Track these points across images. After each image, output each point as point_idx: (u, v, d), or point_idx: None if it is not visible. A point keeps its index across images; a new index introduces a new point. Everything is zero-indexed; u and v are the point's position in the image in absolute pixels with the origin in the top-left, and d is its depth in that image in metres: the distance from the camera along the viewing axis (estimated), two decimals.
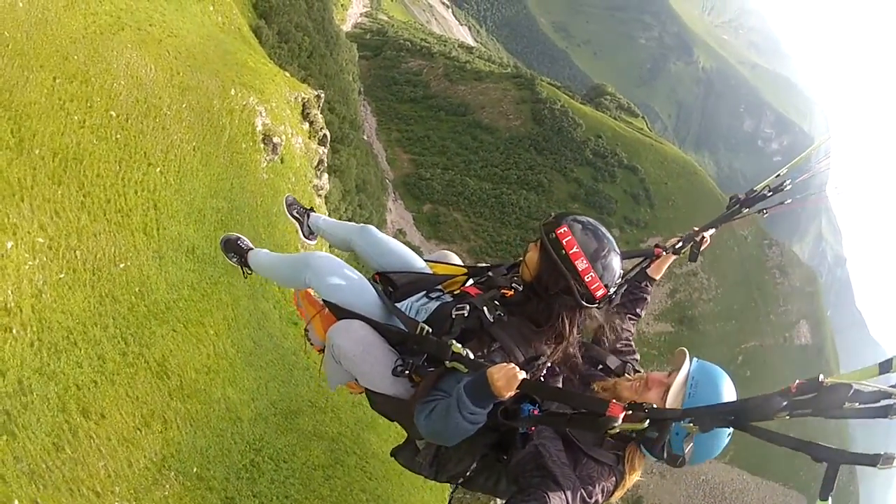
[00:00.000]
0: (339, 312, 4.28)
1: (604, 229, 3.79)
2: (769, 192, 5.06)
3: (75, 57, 9.51)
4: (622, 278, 4.46)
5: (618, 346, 4.49)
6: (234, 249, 5.78)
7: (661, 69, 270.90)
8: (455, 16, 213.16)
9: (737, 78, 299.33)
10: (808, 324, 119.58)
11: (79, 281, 7.42)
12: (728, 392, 3.47)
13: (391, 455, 4.54)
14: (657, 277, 5.17)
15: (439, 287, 4.53)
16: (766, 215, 5.29)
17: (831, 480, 2.52)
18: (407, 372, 3.88)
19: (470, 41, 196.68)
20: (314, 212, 6.03)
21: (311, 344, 4.85)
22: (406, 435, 4.41)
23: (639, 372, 4.23)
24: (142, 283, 8.37)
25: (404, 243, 5.11)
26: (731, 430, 3.23)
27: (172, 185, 10.62)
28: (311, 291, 4.83)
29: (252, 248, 5.71)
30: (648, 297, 5.10)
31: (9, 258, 6.34)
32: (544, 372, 3.97)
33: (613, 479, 3.56)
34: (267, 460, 8.21)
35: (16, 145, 7.24)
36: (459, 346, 3.64)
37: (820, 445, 2.52)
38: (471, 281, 4.49)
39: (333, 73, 59.24)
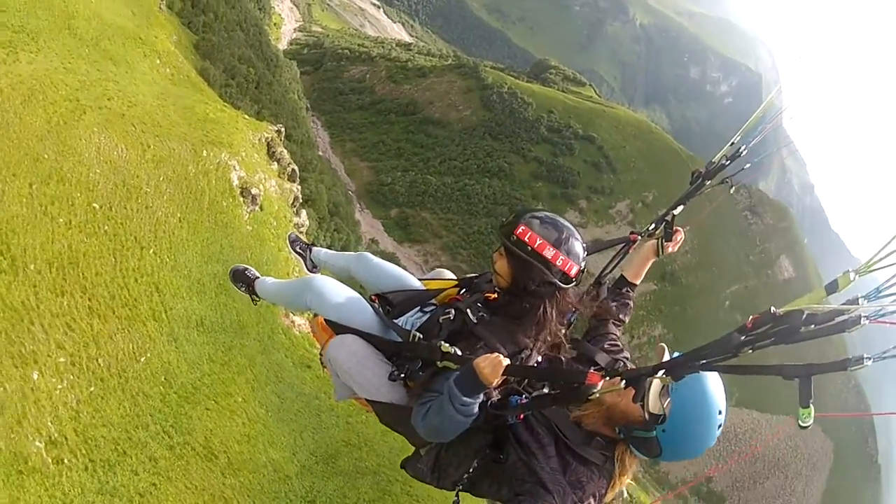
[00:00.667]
0: (340, 330, 4.49)
1: (560, 219, 4.00)
2: (727, 160, 5.18)
3: (45, 156, 9.59)
4: (606, 272, 5.25)
5: (606, 345, 4.55)
6: (243, 279, 5.89)
7: (599, 33, 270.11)
8: (387, 14, 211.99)
9: (676, 29, 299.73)
10: (788, 258, 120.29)
11: (109, 388, 7.64)
12: (713, 381, 3.52)
13: (401, 467, 4.68)
14: (637, 282, 5.21)
15: (433, 301, 4.73)
16: (731, 187, 5.33)
17: (807, 391, 2.64)
18: (402, 376, 4.08)
19: (406, 38, 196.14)
20: (315, 246, 6.28)
21: (324, 366, 4.96)
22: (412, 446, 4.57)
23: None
24: (166, 371, 8.61)
25: (389, 259, 5.47)
26: (721, 423, 3.48)
27: (168, 263, 10.81)
28: (323, 319, 4.92)
29: (259, 277, 5.85)
30: (631, 304, 5.14)
31: (39, 389, 6.55)
32: (532, 364, 4.14)
33: (604, 481, 3.64)
34: None
35: (9, 266, 7.41)
36: (448, 345, 3.84)
37: (787, 365, 2.65)
38: (462, 291, 4.68)
39: (280, 98, 59.20)
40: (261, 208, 15.39)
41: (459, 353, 3.82)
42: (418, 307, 4.70)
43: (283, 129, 22.23)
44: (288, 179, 19.57)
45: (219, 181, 14.25)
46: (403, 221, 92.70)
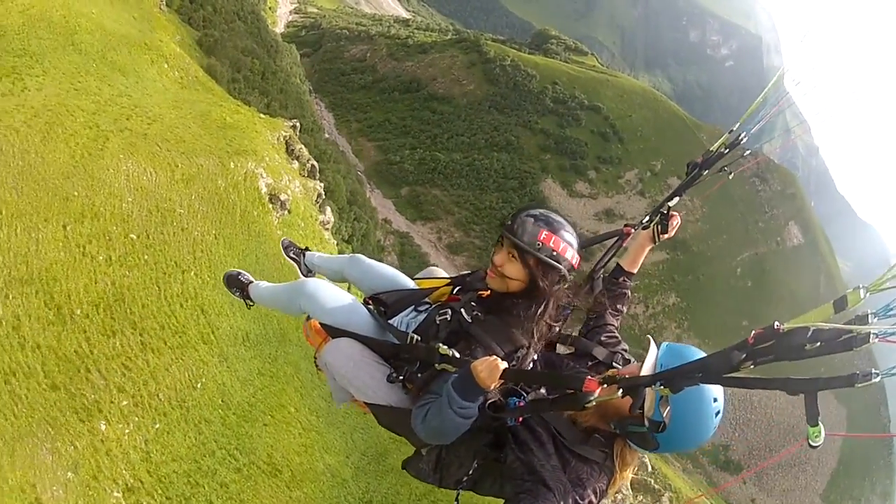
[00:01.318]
0: (335, 333, 4.43)
1: (553, 214, 3.94)
2: (726, 149, 5.06)
3: (75, 193, 9.44)
4: (600, 266, 5.09)
5: (603, 337, 4.54)
6: (237, 285, 5.82)
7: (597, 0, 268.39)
8: None
9: None
10: (797, 224, 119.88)
11: (173, 422, 7.47)
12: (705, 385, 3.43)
13: (402, 468, 4.56)
14: (634, 271, 5.14)
15: (426, 300, 4.65)
16: (731, 175, 5.22)
17: (813, 408, 2.58)
18: (401, 378, 4.00)
19: (403, 13, 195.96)
20: (309, 251, 6.24)
21: (319, 369, 4.82)
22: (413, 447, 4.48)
23: (629, 361, 4.33)
24: (222, 393, 8.47)
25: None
26: (720, 410, 3.41)
27: (209, 282, 10.71)
28: (317, 323, 4.84)
29: (252, 282, 5.78)
30: (629, 292, 5.09)
31: (108, 439, 6.38)
32: (529, 363, 4.07)
33: (605, 477, 3.62)
34: None
35: (56, 316, 7.37)
36: (445, 347, 3.78)
37: (792, 379, 2.58)
38: (456, 290, 4.59)
39: (285, 84, 59.10)
40: (289, 212, 15.38)
41: (458, 355, 3.79)
42: (412, 307, 4.63)
43: (297, 124, 22.06)
44: (309, 176, 19.43)
45: (248, 191, 14.37)
46: (415, 200, 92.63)
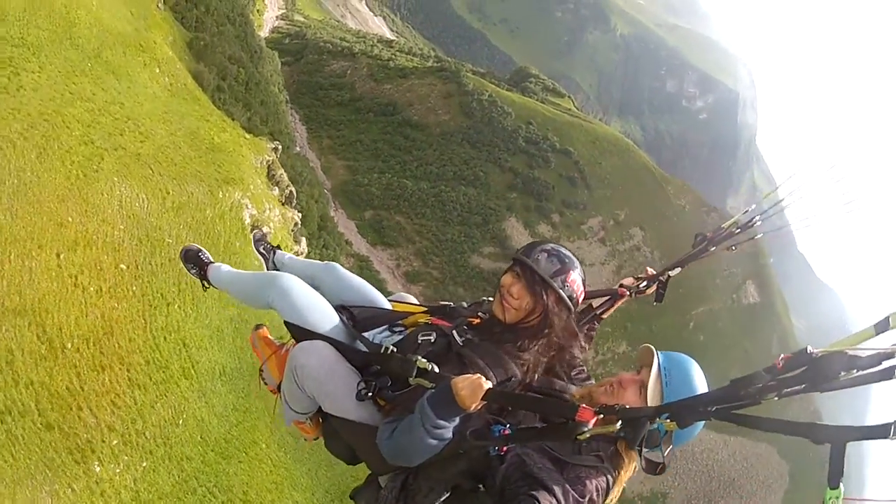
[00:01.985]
0: (302, 335, 4.31)
1: (563, 250, 4.05)
2: (737, 229, 5.23)
3: (70, 219, 9.72)
4: (588, 318, 5.13)
5: (573, 373, 4.37)
6: (194, 261, 5.63)
7: (579, 40, 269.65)
8: (369, 7, 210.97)
9: (656, 41, 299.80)
10: (755, 283, 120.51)
11: (158, 459, 8.07)
12: (699, 378, 3.56)
13: (350, 497, 4.51)
14: (605, 316, 5.19)
15: (401, 323, 4.53)
16: (734, 250, 5.36)
17: (839, 463, 2.31)
18: (370, 394, 3.88)
19: (386, 32, 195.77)
20: (280, 249, 6.03)
21: (266, 384, 4.94)
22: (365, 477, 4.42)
23: None
24: (201, 430, 9.12)
25: (363, 261, 5.44)
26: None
27: (192, 315, 11.18)
28: (267, 332, 4.98)
29: (212, 262, 5.56)
30: (594, 334, 5.16)
31: (102, 480, 6.89)
32: (518, 391, 4.01)
33: (603, 477, 3.51)
34: None
35: (48, 351, 7.66)
36: (424, 360, 3.65)
37: (819, 425, 2.35)
38: (438, 316, 4.51)
39: (266, 97, 59.50)
40: None
41: (437, 370, 3.67)
42: (386, 326, 4.53)
43: (279, 146, 22.66)
44: (287, 203, 20.02)
45: (233, 222, 14.92)
46: (378, 224, 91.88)
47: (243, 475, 9.12)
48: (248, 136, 20.24)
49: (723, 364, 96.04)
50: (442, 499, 3.73)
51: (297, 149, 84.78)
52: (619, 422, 3.02)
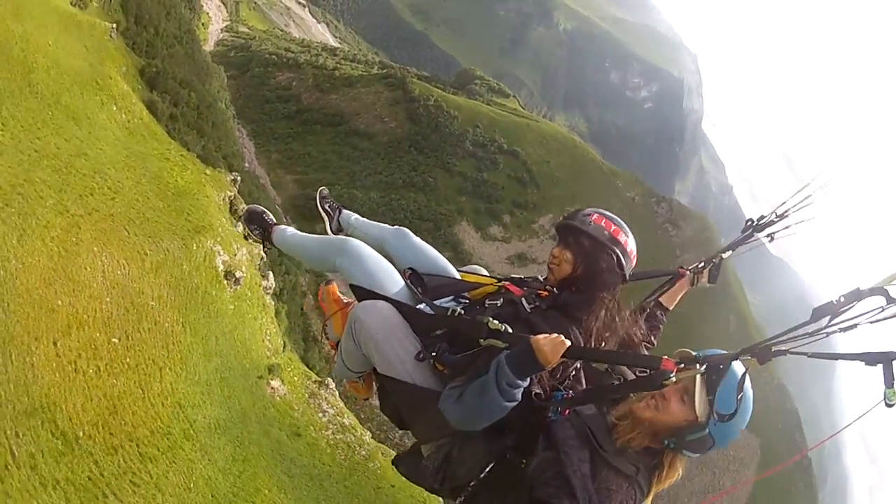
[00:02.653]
0: (367, 296, 4.35)
1: (598, 209, 4.23)
2: (776, 218, 5.43)
3: (59, 303, 9.85)
4: (650, 300, 5.44)
5: (637, 371, 4.22)
6: (259, 222, 5.68)
7: (523, 38, 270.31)
8: (312, 14, 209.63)
9: (600, 35, 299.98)
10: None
11: None
12: (741, 374, 3.49)
13: (392, 464, 4.54)
14: (671, 307, 5.47)
15: (466, 295, 4.59)
16: (771, 241, 5.62)
17: (890, 374, 2.71)
18: (434, 354, 3.92)
19: (330, 39, 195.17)
20: (346, 209, 6.09)
21: (328, 338, 5.03)
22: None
23: None
24: (211, 489, 9.54)
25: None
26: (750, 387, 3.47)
27: (181, 374, 11.55)
28: (336, 289, 5.06)
29: (276, 224, 5.69)
30: (662, 327, 5.30)
31: None
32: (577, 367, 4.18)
33: (632, 491, 3.52)
34: None
35: (64, 446, 7.79)
36: (497, 322, 3.69)
37: (869, 352, 2.73)
38: (508, 286, 4.54)
39: (219, 120, 59.35)
40: (241, 285, 16.30)
41: (510, 330, 3.68)
42: (452, 297, 4.56)
43: (238, 179, 22.91)
44: (248, 237, 20.33)
45: (207, 271, 14.86)
46: None
47: None
48: (208, 171, 20.30)
49: (679, 344, 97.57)
50: (482, 474, 3.82)
51: (246, 165, 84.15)
52: (704, 366, 3.27)
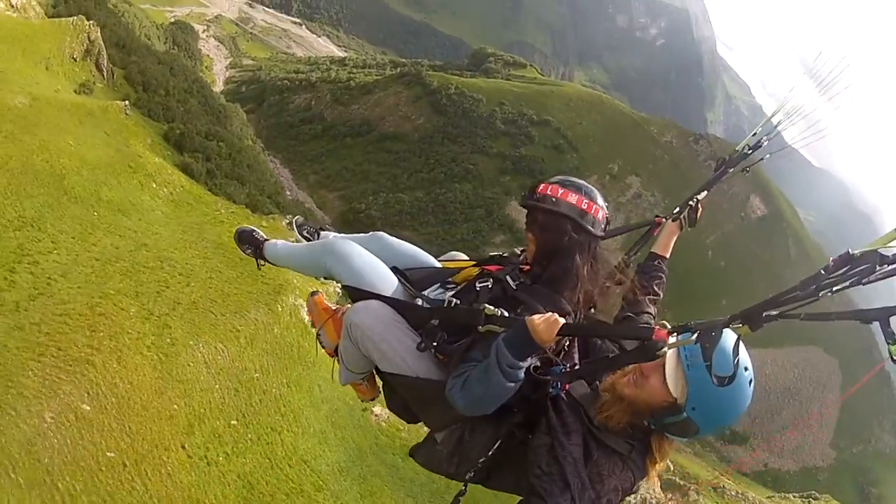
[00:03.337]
0: (360, 296, 4.23)
1: (559, 175, 4.07)
2: (749, 149, 5.38)
3: (175, 407, 10.08)
4: (630, 254, 5.11)
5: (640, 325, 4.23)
6: (250, 241, 5.48)
7: (522, 3, 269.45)
8: (310, 30, 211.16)
9: None
10: (758, 196, 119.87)
11: None
12: (729, 338, 3.24)
13: (410, 455, 4.42)
14: (667, 255, 5.15)
15: (452, 280, 4.47)
16: (747, 173, 5.55)
17: (889, 331, 2.59)
18: (434, 344, 3.85)
19: (335, 50, 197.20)
20: (325, 230, 5.82)
21: (323, 347, 4.92)
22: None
23: None
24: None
25: None
26: (752, 378, 3.37)
27: (298, 432, 11.52)
28: (323, 298, 4.98)
29: (267, 240, 5.43)
30: (664, 276, 5.04)
31: None
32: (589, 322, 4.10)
33: (628, 473, 3.45)
34: None
35: None
36: (492, 307, 3.63)
37: (865, 309, 2.64)
38: (491, 265, 4.42)
39: (251, 159, 59.70)
40: None
41: (506, 314, 3.63)
42: (438, 284, 4.47)
43: (293, 220, 22.87)
44: None
45: (296, 326, 15.12)
46: None
47: None
48: (265, 223, 20.38)
49: (747, 282, 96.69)
50: (491, 451, 3.81)
51: (289, 194, 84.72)
52: (695, 334, 3.06)
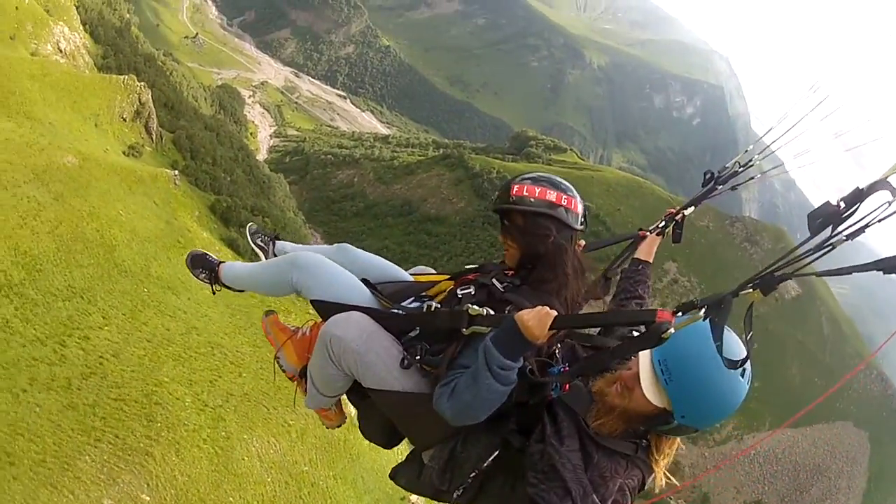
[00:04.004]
0: (332, 310, 3.97)
1: (531, 173, 3.85)
2: (740, 167, 5.12)
3: (231, 499, 10.76)
4: (615, 266, 5.08)
5: (624, 330, 3.68)
6: (202, 265, 5.07)
7: (561, 84, 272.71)
8: (354, 104, 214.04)
9: (632, 63, 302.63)
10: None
11: None
12: (706, 352, 2.95)
13: (390, 477, 4.28)
14: (650, 260, 5.05)
15: (426, 294, 4.23)
16: (737, 190, 5.32)
17: None
18: (418, 357, 3.63)
19: (378, 125, 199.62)
20: (280, 239, 5.52)
21: (283, 370, 4.60)
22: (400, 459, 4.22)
23: None
24: None
25: None
26: (746, 369, 3.03)
27: None
28: (278, 318, 4.80)
29: (222, 262, 5.06)
30: (649, 280, 4.90)
31: None
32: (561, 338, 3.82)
33: (636, 471, 3.27)
34: None
35: None
36: (476, 307, 3.42)
37: (886, 258, 2.46)
38: (471, 274, 4.17)
39: (294, 235, 60.39)
40: None
41: (492, 312, 3.42)
42: (413, 298, 4.24)
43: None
44: None
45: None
46: None
47: None
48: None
49: (782, 363, 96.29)
50: (486, 464, 3.57)
51: None
52: (703, 310, 2.75)
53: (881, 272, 2.48)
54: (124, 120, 37.05)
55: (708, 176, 5.21)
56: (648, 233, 5.15)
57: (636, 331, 3.31)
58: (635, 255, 5.03)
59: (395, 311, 4.01)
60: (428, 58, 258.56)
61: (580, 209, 3.75)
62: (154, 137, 43.09)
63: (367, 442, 4.40)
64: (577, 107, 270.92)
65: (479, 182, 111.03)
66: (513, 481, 3.49)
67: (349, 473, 13.37)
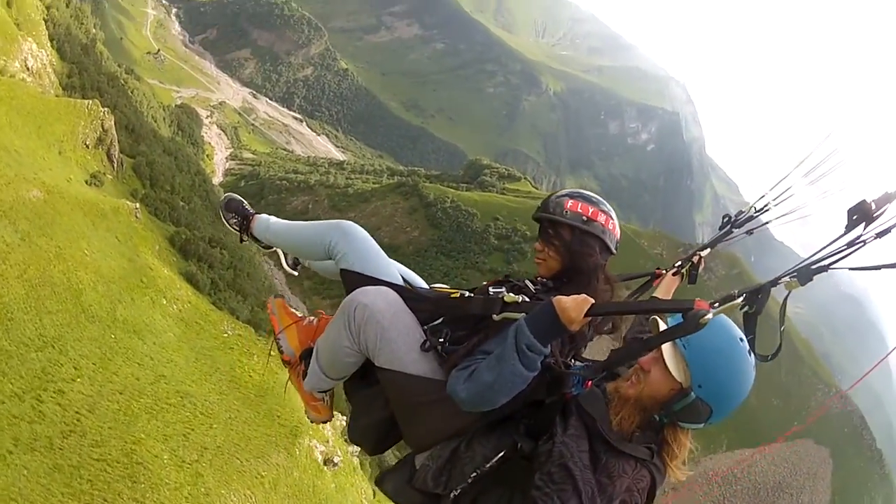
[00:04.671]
0: (361, 282, 3.96)
1: (581, 190, 4.02)
2: (756, 212, 5.14)
3: None
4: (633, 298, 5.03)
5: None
6: (237, 210, 5.01)
7: (517, 110, 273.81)
8: (310, 128, 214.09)
9: (588, 89, 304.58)
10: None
11: None
12: (725, 325, 3.19)
13: (376, 483, 4.19)
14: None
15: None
16: (752, 234, 5.37)
17: None
18: (441, 340, 3.63)
19: (332, 150, 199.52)
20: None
21: (281, 352, 4.63)
22: (391, 466, 4.10)
23: None
24: None
25: None
26: (745, 344, 3.16)
27: None
28: (285, 302, 4.79)
29: (257, 214, 5.02)
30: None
31: None
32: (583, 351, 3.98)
33: (645, 471, 3.28)
34: None
35: None
36: (512, 294, 3.43)
37: None
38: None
39: (250, 268, 60.41)
40: (339, 466, 17.28)
41: (527, 299, 3.44)
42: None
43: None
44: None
45: (311, 467, 15.85)
46: None
47: None
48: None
49: (763, 422, 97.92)
50: (488, 466, 3.48)
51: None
52: (741, 297, 2.98)
53: None
54: (87, 147, 36.87)
55: (725, 219, 5.31)
56: (665, 272, 5.24)
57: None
58: (654, 295, 5.04)
59: (426, 294, 4.02)
60: (385, 82, 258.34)
61: (618, 234, 3.97)
62: (115, 165, 42.80)
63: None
64: (532, 133, 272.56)
65: (433, 211, 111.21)
66: (510, 495, 3.50)
67: None
